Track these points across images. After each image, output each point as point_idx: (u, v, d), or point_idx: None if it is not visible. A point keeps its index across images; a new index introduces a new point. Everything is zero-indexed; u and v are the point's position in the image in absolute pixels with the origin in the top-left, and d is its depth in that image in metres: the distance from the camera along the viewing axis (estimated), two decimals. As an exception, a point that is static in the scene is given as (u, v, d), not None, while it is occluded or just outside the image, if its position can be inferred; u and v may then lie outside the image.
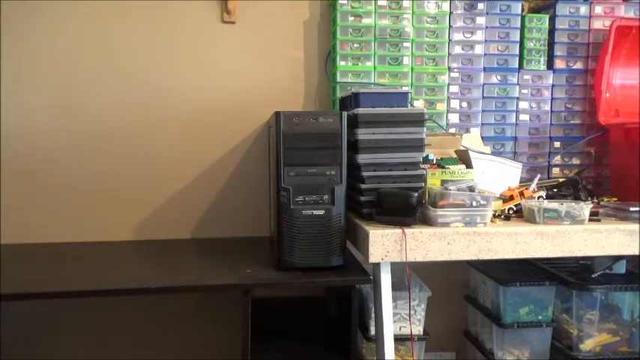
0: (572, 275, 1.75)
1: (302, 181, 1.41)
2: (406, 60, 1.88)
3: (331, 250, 1.43)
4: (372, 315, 1.60)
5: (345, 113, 1.43)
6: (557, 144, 1.99)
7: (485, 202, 1.42)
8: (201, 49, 1.94)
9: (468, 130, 1.93)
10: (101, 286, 1.39)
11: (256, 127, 1.99)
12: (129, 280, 1.46)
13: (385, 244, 1.37)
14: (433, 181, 1.57)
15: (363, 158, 1.48)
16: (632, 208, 1.51)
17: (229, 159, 1.99)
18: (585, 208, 1.48)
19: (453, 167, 1.61)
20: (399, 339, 1.68)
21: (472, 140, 1.80)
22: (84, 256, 1.72)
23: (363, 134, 1.48)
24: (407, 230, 1.37)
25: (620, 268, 1.74)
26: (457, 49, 1.92)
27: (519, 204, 1.57)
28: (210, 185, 1.99)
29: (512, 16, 1.93)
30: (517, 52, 1.94)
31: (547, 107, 1.98)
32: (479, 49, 1.93)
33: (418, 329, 1.73)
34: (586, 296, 1.70)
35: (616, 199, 1.71)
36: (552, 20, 1.96)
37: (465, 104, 1.94)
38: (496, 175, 1.73)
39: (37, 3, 1.82)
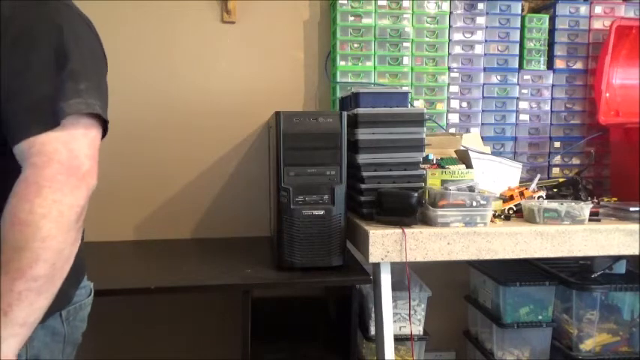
0: (572, 275, 1.75)
1: (302, 181, 1.41)
2: (406, 60, 1.88)
3: (331, 250, 1.43)
4: (372, 315, 1.60)
5: (345, 113, 1.43)
6: (557, 144, 1.99)
7: (485, 202, 1.42)
8: (201, 49, 1.94)
9: (468, 130, 1.93)
10: (101, 286, 1.39)
11: (256, 127, 1.99)
12: (129, 280, 1.46)
13: (385, 244, 1.37)
14: (433, 181, 1.57)
15: (363, 158, 1.48)
16: (632, 208, 1.51)
17: (229, 159, 1.99)
18: (585, 208, 1.48)
19: (453, 167, 1.61)
20: (399, 339, 1.68)
21: (472, 140, 1.80)
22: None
23: (363, 134, 1.48)
24: (407, 230, 1.37)
25: (620, 268, 1.74)
26: (457, 49, 1.92)
27: (519, 204, 1.57)
28: (210, 185, 1.99)
29: (512, 16, 1.93)
30: (517, 52, 1.94)
31: (547, 107, 1.98)
32: (479, 49, 1.92)
33: (418, 329, 1.73)
34: (586, 296, 1.70)
35: (616, 199, 1.71)
36: (552, 20, 1.96)
37: (465, 104, 1.94)
38: (496, 175, 1.73)
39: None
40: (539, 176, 1.74)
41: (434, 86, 1.91)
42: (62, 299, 0.93)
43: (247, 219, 2.00)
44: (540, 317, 1.78)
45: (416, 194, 1.40)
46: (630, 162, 1.75)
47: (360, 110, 1.48)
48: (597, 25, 1.96)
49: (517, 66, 1.95)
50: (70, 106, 0.77)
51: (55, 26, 0.80)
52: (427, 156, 1.61)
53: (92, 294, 1.05)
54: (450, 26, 1.90)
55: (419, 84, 1.90)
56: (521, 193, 1.60)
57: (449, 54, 1.91)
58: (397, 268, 1.55)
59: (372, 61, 1.87)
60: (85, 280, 1.02)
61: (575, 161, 2.01)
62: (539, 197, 1.59)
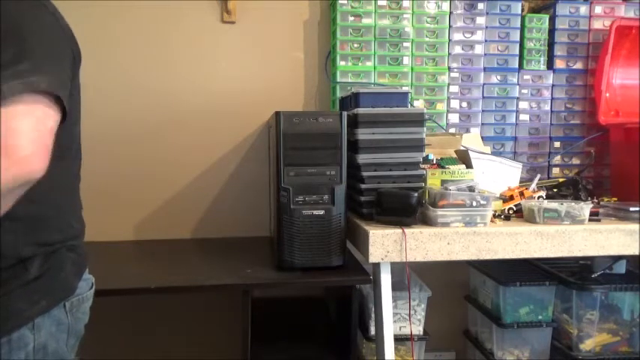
0: (572, 275, 1.75)
1: (302, 181, 1.41)
2: (406, 60, 1.88)
3: (331, 250, 1.43)
4: (372, 315, 1.60)
5: (345, 113, 1.43)
6: (557, 144, 1.99)
7: (485, 202, 1.42)
8: (201, 49, 1.94)
9: (468, 130, 1.93)
10: (101, 285, 1.39)
11: (256, 127, 1.99)
12: (129, 280, 1.46)
13: (385, 244, 1.37)
14: (433, 181, 1.57)
15: (363, 158, 1.48)
16: (632, 208, 1.51)
17: (229, 159, 1.99)
18: (585, 208, 1.48)
19: (453, 167, 1.61)
20: (399, 339, 1.68)
21: (472, 140, 1.80)
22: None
23: (363, 134, 1.48)
24: (407, 230, 1.37)
25: (620, 268, 1.74)
26: (457, 49, 1.92)
27: (519, 204, 1.57)
28: (210, 185, 1.99)
29: (512, 16, 1.93)
30: (517, 52, 1.94)
31: (547, 107, 1.98)
32: (479, 49, 1.92)
33: (418, 329, 1.73)
34: (586, 296, 1.70)
35: (616, 199, 1.71)
36: (552, 20, 1.96)
37: (465, 104, 1.94)
38: (496, 175, 1.73)
39: (37, 3, 1.82)
40: (539, 176, 1.74)
41: (434, 86, 1.91)
42: (66, 290, 0.96)
43: (247, 219, 2.00)
44: (540, 317, 1.78)
45: (416, 194, 1.40)
46: (630, 162, 1.75)
47: (360, 110, 1.48)
48: (597, 25, 1.96)
49: (517, 66, 1.95)
50: (10, 88, 0.76)
51: (11, 14, 0.81)
52: (427, 156, 1.61)
53: (93, 287, 1.07)
54: (450, 26, 1.90)
55: (419, 84, 1.90)
56: (521, 193, 1.60)
57: (449, 54, 1.91)
58: (397, 268, 1.55)
59: (372, 61, 1.86)
60: (86, 273, 1.05)
61: (575, 161, 2.01)
62: (539, 197, 1.59)
